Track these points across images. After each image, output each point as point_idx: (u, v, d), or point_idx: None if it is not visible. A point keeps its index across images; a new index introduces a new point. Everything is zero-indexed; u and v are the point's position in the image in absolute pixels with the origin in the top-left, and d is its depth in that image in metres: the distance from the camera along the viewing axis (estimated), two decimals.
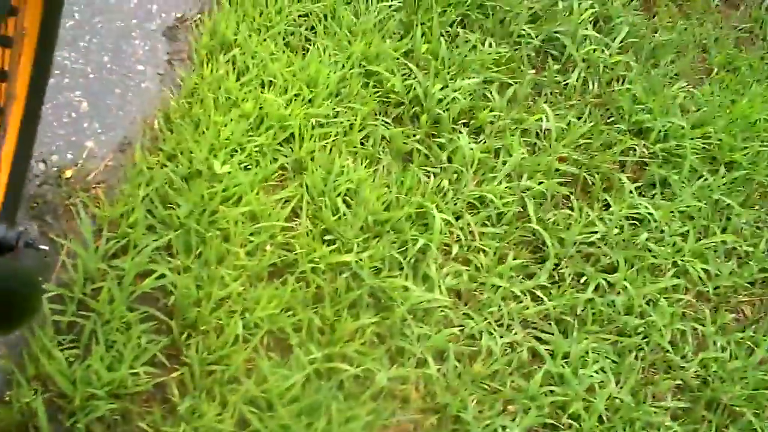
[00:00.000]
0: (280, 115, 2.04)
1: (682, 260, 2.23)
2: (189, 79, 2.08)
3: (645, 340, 2.01)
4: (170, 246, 1.75)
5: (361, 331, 1.77)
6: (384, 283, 1.86)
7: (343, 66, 2.27)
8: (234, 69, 2.14)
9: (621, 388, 1.89)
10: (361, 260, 1.87)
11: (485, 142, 2.30)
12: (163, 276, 1.68)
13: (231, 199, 1.84)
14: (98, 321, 1.59)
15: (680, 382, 1.98)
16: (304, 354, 1.68)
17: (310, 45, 2.32)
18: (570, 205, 2.28)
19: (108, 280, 1.63)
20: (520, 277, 2.05)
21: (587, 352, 1.92)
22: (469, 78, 2.42)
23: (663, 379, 1.96)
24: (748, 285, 2.28)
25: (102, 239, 1.70)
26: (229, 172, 1.87)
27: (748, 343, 2.12)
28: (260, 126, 2.03)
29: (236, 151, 1.94)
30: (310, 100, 2.14)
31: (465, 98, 2.36)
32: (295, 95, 2.13)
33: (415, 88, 2.33)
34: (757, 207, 2.49)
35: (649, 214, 2.30)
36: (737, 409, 1.97)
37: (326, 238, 1.91)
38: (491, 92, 2.45)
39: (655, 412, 1.88)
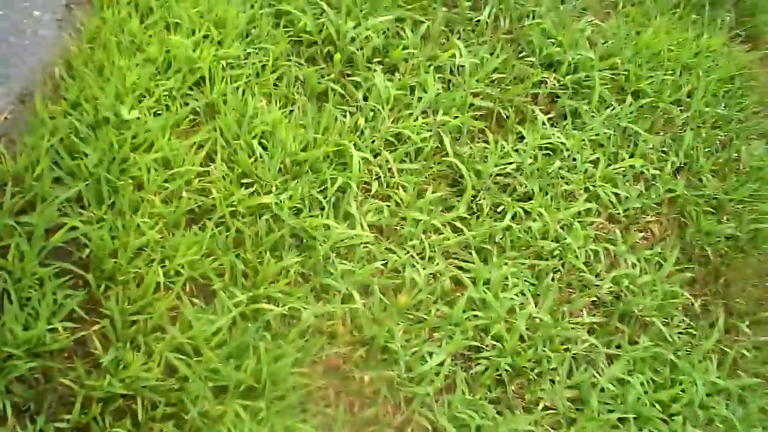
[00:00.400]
0: (188, 58, 1.99)
1: (593, 186, 2.31)
2: (90, 23, 1.99)
3: (561, 262, 2.10)
4: (81, 197, 1.69)
5: (284, 272, 1.78)
6: (305, 223, 1.86)
7: (252, 6, 2.22)
8: (137, 11, 2.05)
9: (540, 308, 1.96)
10: (280, 201, 1.86)
11: (400, 79, 2.30)
12: (75, 228, 1.63)
13: (142, 146, 1.79)
14: (9, 279, 1.54)
15: (595, 298, 2.08)
16: (229, 298, 1.68)
17: None
18: (485, 138, 2.32)
19: (16, 236, 1.57)
20: (440, 209, 2.09)
21: (507, 277, 1.98)
22: (382, 15, 2.41)
23: (579, 297, 2.05)
24: (656, 205, 2.39)
25: (6, 195, 1.63)
26: (138, 118, 1.81)
27: (657, 258, 2.23)
28: (168, 70, 1.97)
29: (144, 96, 1.88)
30: (219, 42, 2.09)
31: (378, 37, 2.35)
32: (204, 37, 2.07)
33: (327, 27, 2.30)
34: (662, 132, 2.60)
35: (562, 143, 2.37)
36: (648, 319, 2.08)
37: (244, 181, 1.89)
38: (404, 30, 2.45)
39: (572, 328, 1.97)
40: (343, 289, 1.81)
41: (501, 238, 2.08)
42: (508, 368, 1.83)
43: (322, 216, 1.89)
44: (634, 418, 1.85)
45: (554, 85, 2.56)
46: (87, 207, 1.69)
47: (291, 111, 2.08)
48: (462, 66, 2.42)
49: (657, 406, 1.89)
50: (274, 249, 1.80)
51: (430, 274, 1.94)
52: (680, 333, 2.10)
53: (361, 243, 1.91)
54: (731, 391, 2.02)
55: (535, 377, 1.85)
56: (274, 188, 1.88)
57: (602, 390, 1.88)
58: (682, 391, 1.94)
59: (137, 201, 1.72)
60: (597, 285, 2.10)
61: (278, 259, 1.78)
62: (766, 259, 2.42)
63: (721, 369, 2.06)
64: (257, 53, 2.14)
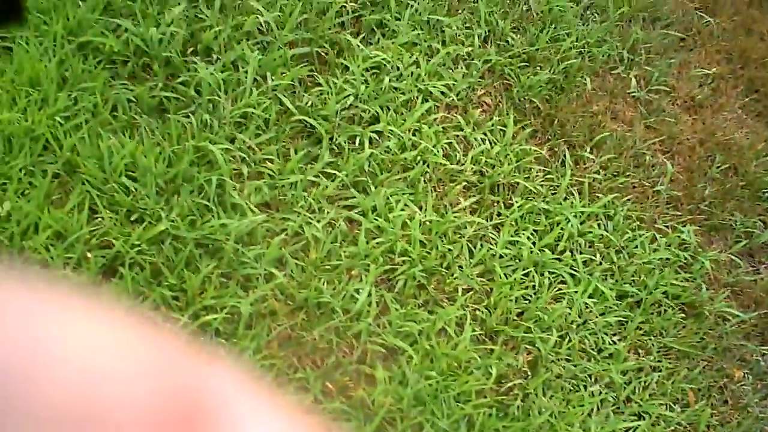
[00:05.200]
0: (25, 129, 2.01)
1: (423, 85, 2.57)
2: None
3: (425, 164, 2.37)
4: None
5: (207, 280, 1.95)
6: (204, 231, 2.01)
7: (54, 52, 2.23)
8: None
9: (425, 211, 2.25)
10: (174, 221, 2.00)
11: (219, 59, 2.41)
12: None
13: (29, 231, 1.86)
14: None
15: (465, 183, 2.39)
16: (175, 324, 1.84)
17: (12, 45, 2.23)
18: (317, 81, 2.50)
19: None
20: (309, 164, 2.29)
21: (388, 198, 2.24)
22: (174, 7, 2.46)
23: (452, 188, 2.36)
24: (480, 80, 2.69)
25: None
26: (12, 208, 1.86)
27: (499, 127, 2.56)
28: (11, 148, 2.00)
29: (5, 183, 1.92)
30: (43, 100, 2.11)
31: (181, 28, 2.42)
32: (27, 102, 2.09)
33: (131, 40, 2.34)
34: (459, 11, 2.86)
35: (383, 59, 2.59)
36: (513, 182, 2.43)
37: (132, 218, 2.00)
38: (202, 10, 2.52)
39: (457, 216, 2.28)
40: (262, 270, 2.01)
41: (369, 166, 2.32)
42: (422, 273, 2.12)
43: (214, 218, 2.05)
44: (534, 267, 2.22)
45: (354, 5, 2.74)
46: None
47: (140, 134, 2.17)
48: (267, 22, 2.55)
49: (546, 250, 2.27)
50: (188, 264, 1.96)
51: (327, 224, 2.17)
52: (542, 182, 2.47)
53: (258, 225, 2.09)
54: (597, 213, 2.43)
55: (446, 270, 2.16)
56: (161, 212, 2.01)
57: (501, 256, 2.23)
58: (561, 229, 2.33)
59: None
60: (461, 171, 2.40)
61: (197, 272, 1.95)
62: (581, 89, 2.81)
63: (582, 197, 2.46)
64: (83, 94, 2.18)
